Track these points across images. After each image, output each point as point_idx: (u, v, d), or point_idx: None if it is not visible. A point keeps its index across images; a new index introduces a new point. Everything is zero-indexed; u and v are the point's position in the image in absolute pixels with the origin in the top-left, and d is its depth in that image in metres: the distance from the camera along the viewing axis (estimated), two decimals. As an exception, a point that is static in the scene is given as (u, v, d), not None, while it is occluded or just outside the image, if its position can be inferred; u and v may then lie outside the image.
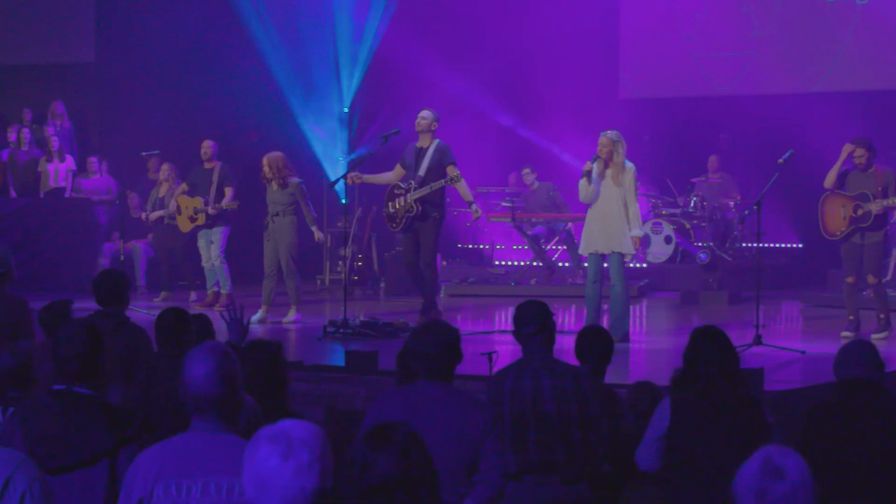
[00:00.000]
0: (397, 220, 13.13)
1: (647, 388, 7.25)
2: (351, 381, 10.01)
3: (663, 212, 18.17)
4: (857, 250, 12.55)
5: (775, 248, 19.23)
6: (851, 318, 12.68)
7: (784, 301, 16.48)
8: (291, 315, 13.92)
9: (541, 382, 6.31)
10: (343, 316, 12.65)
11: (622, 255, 12.24)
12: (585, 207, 12.42)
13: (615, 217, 12.18)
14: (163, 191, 16.50)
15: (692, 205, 18.15)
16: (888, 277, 14.94)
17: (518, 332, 6.49)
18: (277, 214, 14.03)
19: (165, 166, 16.53)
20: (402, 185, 13.07)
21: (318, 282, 18.69)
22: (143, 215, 16.68)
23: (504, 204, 18.14)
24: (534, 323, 6.43)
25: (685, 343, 6.29)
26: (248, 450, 3.62)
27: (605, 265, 12.38)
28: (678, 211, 18.19)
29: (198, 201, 15.36)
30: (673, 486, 6.23)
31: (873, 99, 18.14)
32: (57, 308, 8.27)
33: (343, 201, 19.01)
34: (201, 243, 15.46)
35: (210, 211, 15.21)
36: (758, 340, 11.34)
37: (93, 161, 17.95)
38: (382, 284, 17.66)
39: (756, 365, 9.58)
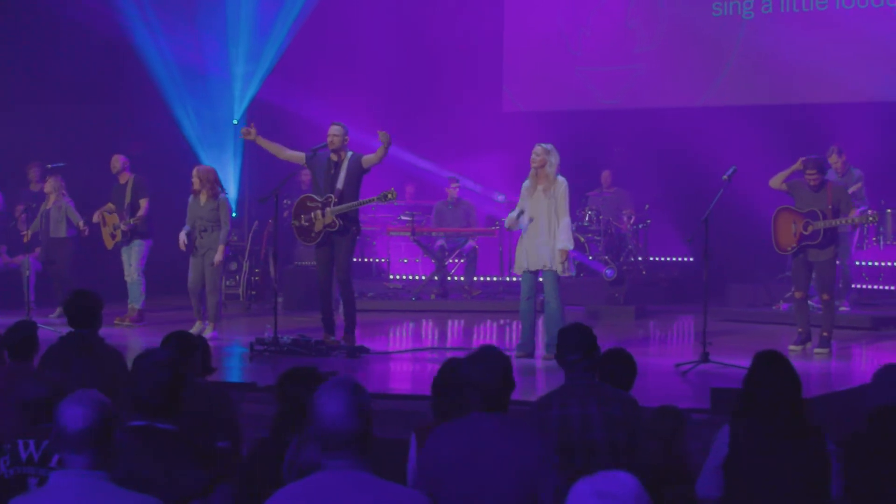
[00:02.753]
0: (314, 234, 12.75)
1: (671, 413, 7.00)
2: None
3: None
4: (807, 266, 12.60)
5: (667, 261, 19.34)
6: (800, 331, 12.74)
7: (682, 315, 16.52)
8: (209, 332, 13.54)
9: (588, 409, 6.08)
10: (274, 333, 12.32)
11: (556, 272, 12.09)
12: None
13: (544, 232, 12.07)
14: (49, 203, 15.88)
15: (587, 219, 18.12)
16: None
17: (562, 358, 6.25)
18: (206, 230, 13.74)
19: (50, 178, 15.89)
20: (318, 199, 12.68)
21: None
22: (27, 233, 15.88)
23: (403, 217, 17.91)
24: (580, 349, 6.19)
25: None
26: None
27: (541, 280, 12.25)
28: (573, 225, 18.10)
29: (115, 217, 15.20)
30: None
31: (761, 112, 18.40)
32: (22, 330, 7.89)
33: (233, 215, 18.61)
34: (124, 258, 15.28)
35: (122, 227, 15.04)
36: (705, 358, 11.20)
37: (-26, 174, 17.27)
38: (280, 299, 17.20)
39: (709, 384, 9.46)
